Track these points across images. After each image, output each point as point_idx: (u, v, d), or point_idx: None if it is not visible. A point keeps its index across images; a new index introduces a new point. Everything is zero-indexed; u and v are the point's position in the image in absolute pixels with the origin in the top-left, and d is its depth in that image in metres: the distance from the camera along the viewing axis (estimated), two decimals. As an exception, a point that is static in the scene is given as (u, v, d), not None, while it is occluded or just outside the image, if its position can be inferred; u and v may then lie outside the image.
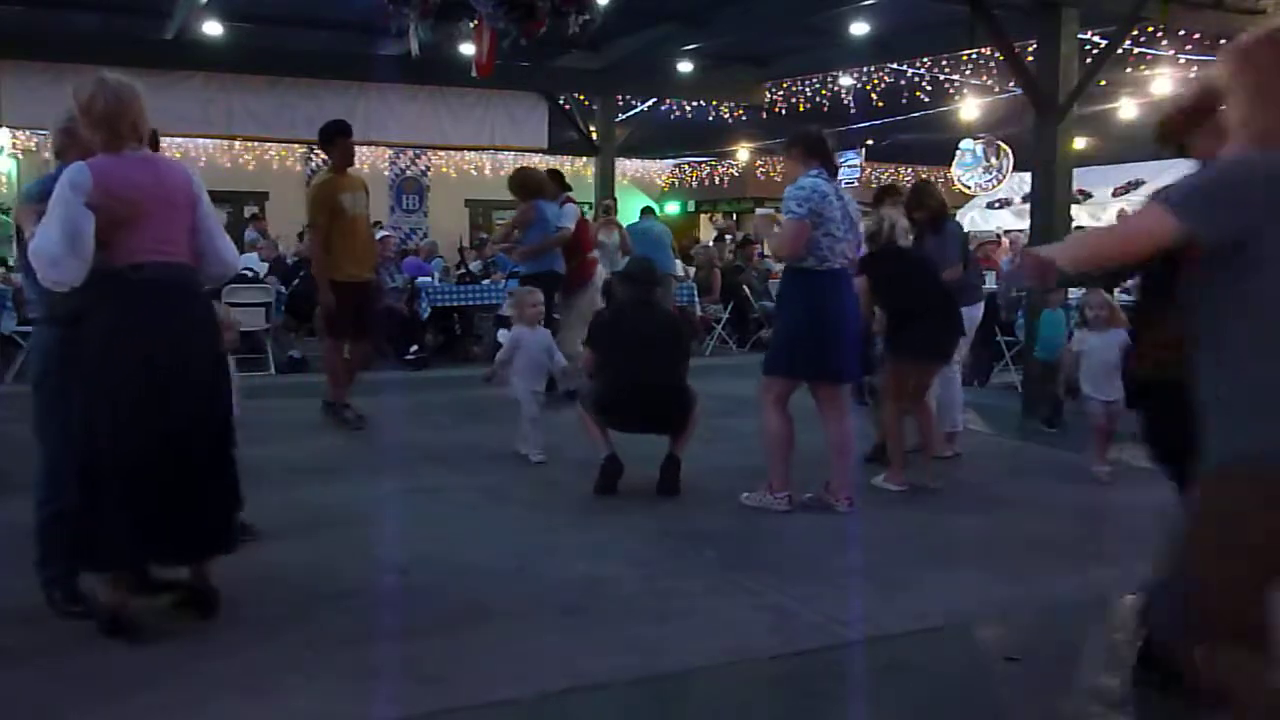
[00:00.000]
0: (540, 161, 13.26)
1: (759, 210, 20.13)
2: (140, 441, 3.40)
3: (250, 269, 10.57)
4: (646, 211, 12.47)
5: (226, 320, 4.27)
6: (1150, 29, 9.80)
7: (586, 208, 13.05)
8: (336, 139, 6.98)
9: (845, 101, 14.37)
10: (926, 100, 14.29)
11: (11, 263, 13.07)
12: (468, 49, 8.02)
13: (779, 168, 19.13)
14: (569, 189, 8.88)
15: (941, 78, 13.43)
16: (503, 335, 10.71)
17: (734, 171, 22.33)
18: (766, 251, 11.64)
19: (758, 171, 21.66)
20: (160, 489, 3.43)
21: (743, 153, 20.77)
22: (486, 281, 11.99)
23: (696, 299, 12.29)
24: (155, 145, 3.93)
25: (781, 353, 5.22)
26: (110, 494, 3.40)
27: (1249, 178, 2.20)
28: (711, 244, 16.35)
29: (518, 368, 6.27)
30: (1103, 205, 14.96)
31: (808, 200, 4.98)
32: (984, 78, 12.97)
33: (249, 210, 17.98)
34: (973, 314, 6.75)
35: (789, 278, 5.32)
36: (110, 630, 3.48)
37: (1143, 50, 11.09)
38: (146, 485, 3.42)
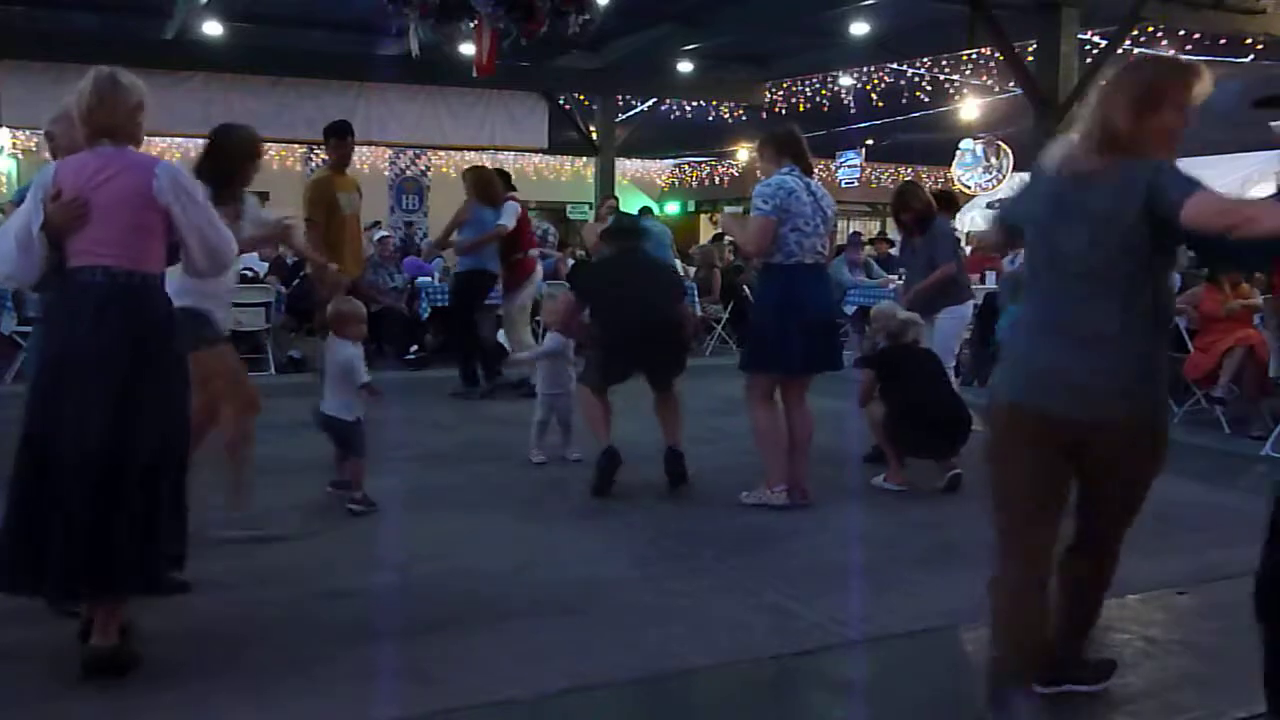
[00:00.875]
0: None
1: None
2: (32, 456, 3.20)
3: (250, 269, 10.56)
4: (645, 212, 12.47)
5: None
6: (1150, 29, 9.81)
7: (587, 208, 13.07)
8: (331, 139, 6.98)
9: (845, 101, 14.38)
10: (926, 100, 14.29)
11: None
12: (468, 49, 8.03)
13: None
14: (514, 189, 8.94)
15: (941, 78, 13.44)
16: (503, 336, 10.73)
17: (734, 171, 22.33)
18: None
19: (758, 172, 21.60)
20: (48, 507, 3.16)
21: (743, 153, 20.76)
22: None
23: (696, 299, 12.28)
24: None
25: (753, 348, 5.32)
26: (37, 511, 3.18)
27: None
28: (711, 244, 16.34)
29: (541, 369, 6.29)
30: (1102, 205, 14.93)
31: (773, 197, 5.05)
32: (984, 78, 12.97)
33: (249, 210, 17.96)
34: (963, 313, 6.80)
35: (760, 274, 5.44)
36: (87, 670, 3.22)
37: (1143, 50, 11.08)
38: (36, 501, 3.17)
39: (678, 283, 5.96)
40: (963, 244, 9.57)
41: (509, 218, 8.42)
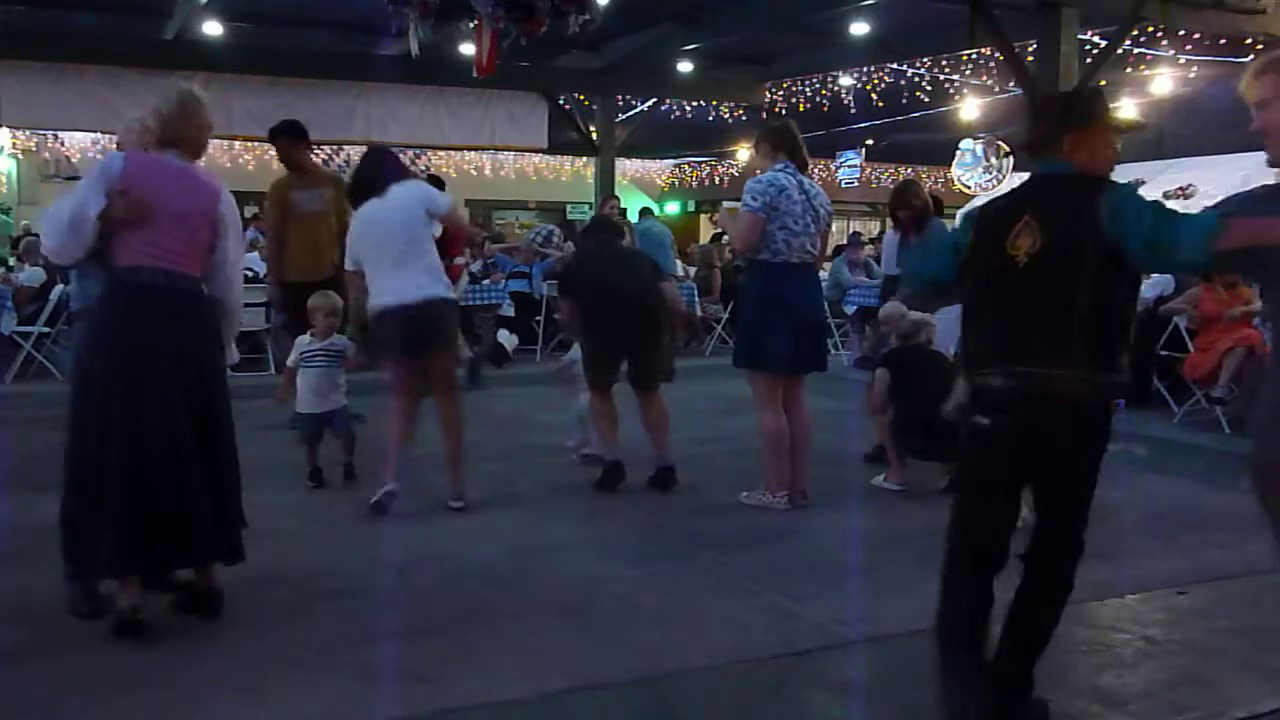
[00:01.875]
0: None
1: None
2: (116, 445, 3.36)
3: (251, 269, 10.55)
4: (645, 212, 12.46)
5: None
6: (1150, 29, 9.81)
7: (587, 208, 13.05)
8: (281, 138, 6.97)
9: (845, 101, 14.37)
10: (926, 100, 14.29)
11: (11, 264, 13.09)
12: (468, 49, 8.03)
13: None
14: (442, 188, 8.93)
15: (941, 78, 13.44)
16: (503, 336, 10.73)
17: (734, 171, 22.31)
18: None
19: (758, 172, 21.61)
20: (143, 494, 3.37)
21: (743, 153, 20.74)
22: (486, 281, 11.97)
23: (696, 299, 12.28)
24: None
25: (739, 345, 5.35)
26: (95, 497, 3.38)
27: None
28: (711, 244, 16.34)
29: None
30: (1102, 205, 14.94)
31: (763, 194, 5.05)
32: (984, 78, 12.97)
33: (249, 210, 17.95)
34: (959, 312, 6.79)
35: (747, 270, 5.45)
36: (120, 631, 3.46)
37: (1143, 50, 11.10)
38: (128, 489, 3.36)
39: (653, 266, 5.95)
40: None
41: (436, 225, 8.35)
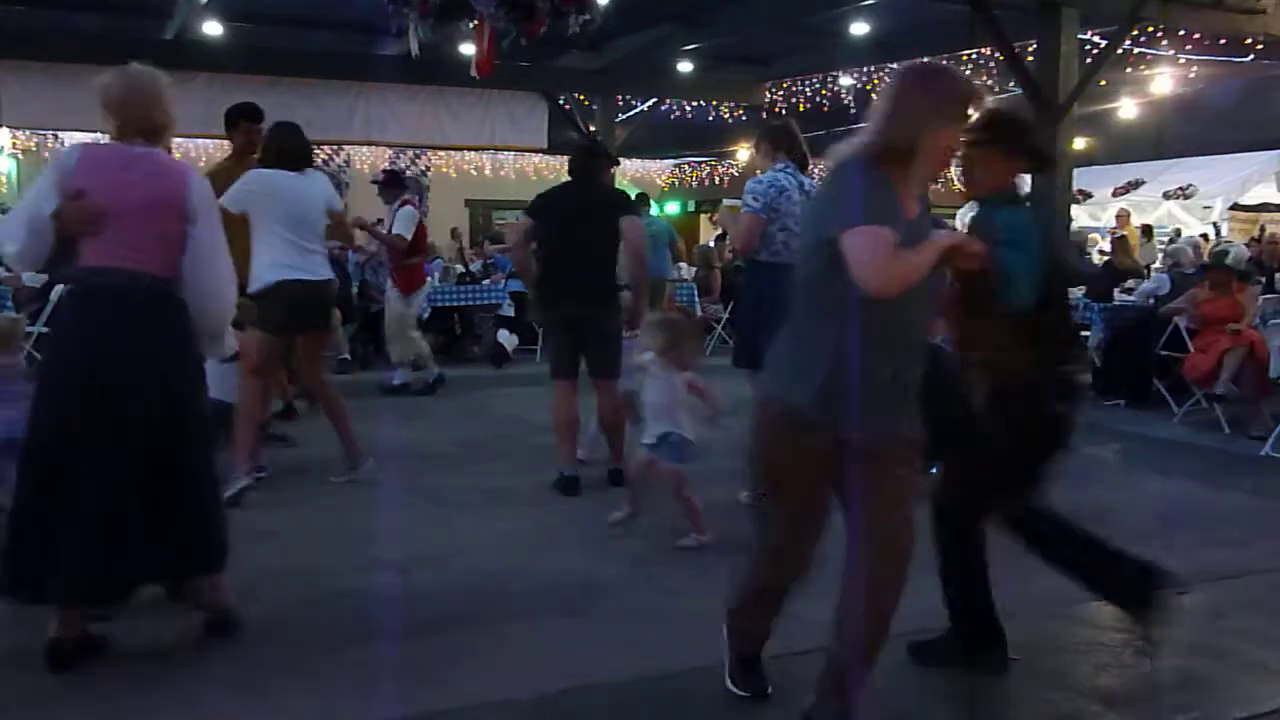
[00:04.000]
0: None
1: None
2: (74, 458, 3.15)
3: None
4: (643, 199, 12.38)
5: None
6: (1150, 29, 9.81)
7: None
8: (241, 122, 6.10)
9: (845, 101, 14.37)
10: (927, 100, 14.27)
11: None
12: (468, 49, 8.03)
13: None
14: (405, 189, 8.90)
15: (941, 78, 13.41)
16: (503, 336, 10.72)
17: (734, 171, 22.30)
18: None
19: (758, 172, 21.59)
20: (109, 507, 3.16)
21: (743, 153, 20.74)
22: (486, 281, 11.98)
23: (696, 299, 12.27)
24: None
25: (738, 345, 5.36)
26: (46, 514, 3.15)
27: None
28: (711, 244, 16.34)
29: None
30: (1102, 205, 14.95)
31: (764, 195, 5.06)
32: (984, 78, 12.96)
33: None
34: None
35: (747, 271, 5.44)
36: (51, 662, 3.22)
37: (1143, 50, 11.10)
38: (83, 509, 3.14)
39: (614, 224, 5.48)
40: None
41: (405, 223, 8.32)
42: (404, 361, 8.76)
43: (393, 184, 8.71)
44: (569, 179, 5.77)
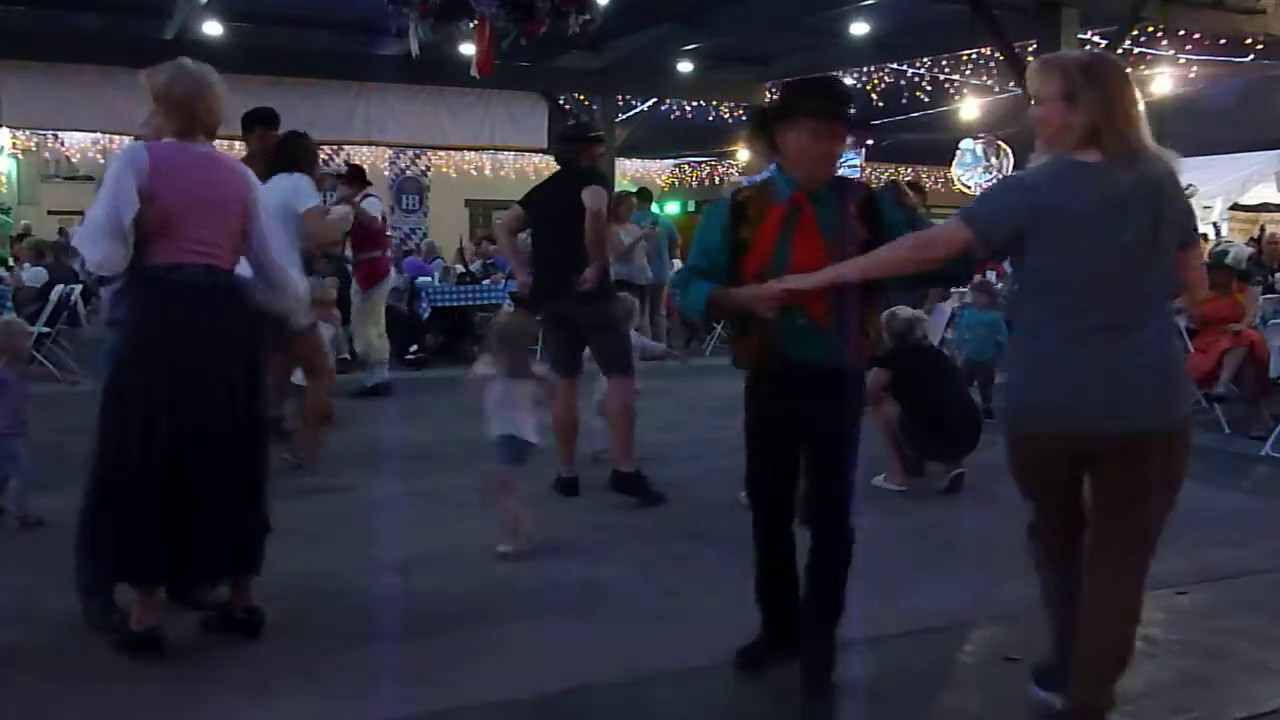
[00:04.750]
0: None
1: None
2: (159, 450, 3.24)
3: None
4: (645, 195, 12.33)
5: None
6: (1150, 29, 9.81)
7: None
8: (256, 127, 6.16)
9: (845, 101, 14.35)
10: (926, 100, 14.28)
11: (11, 263, 13.08)
12: (468, 49, 8.03)
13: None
14: (369, 183, 8.90)
15: (941, 78, 13.43)
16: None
17: (734, 171, 22.30)
18: None
19: (756, 172, 21.56)
20: (182, 500, 3.27)
21: (743, 153, 20.69)
22: (486, 281, 11.98)
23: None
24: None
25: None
26: (128, 502, 3.26)
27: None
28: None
29: None
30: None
31: None
32: (984, 78, 12.96)
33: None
34: (942, 308, 6.84)
35: None
36: (135, 650, 3.31)
37: (1143, 50, 11.09)
38: (166, 495, 3.25)
39: (580, 208, 5.22)
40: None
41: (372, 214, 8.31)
42: (378, 360, 8.63)
43: (356, 178, 8.74)
44: (558, 169, 5.72)
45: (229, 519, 3.37)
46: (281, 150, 5.70)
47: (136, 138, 3.88)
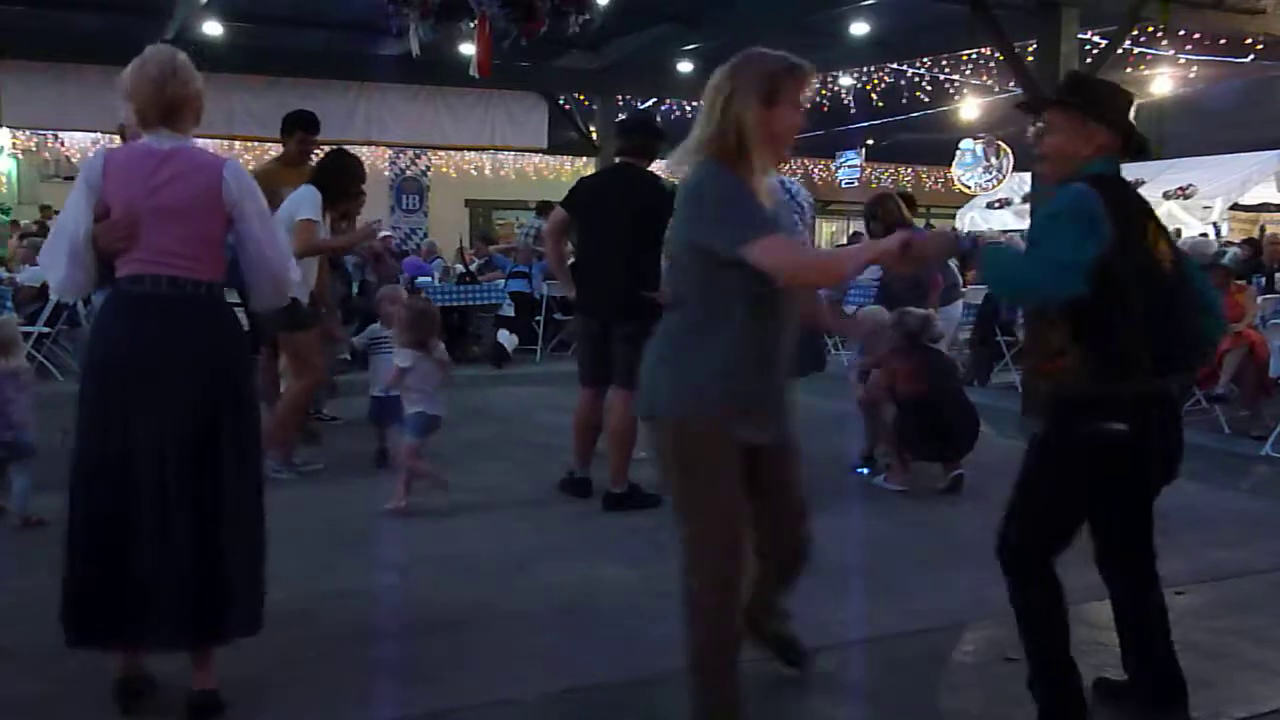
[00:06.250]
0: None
1: None
2: (99, 495, 2.90)
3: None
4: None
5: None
6: (1150, 29, 9.81)
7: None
8: (296, 131, 6.53)
9: (845, 101, 14.37)
10: (926, 100, 14.29)
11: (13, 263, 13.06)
12: (468, 49, 8.03)
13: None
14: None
15: (941, 78, 13.44)
16: (503, 336, 10.72)
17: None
18: None
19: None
20: (128, 549, 2.88)
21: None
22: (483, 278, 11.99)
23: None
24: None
25: None
26: (80, 550, 2.92)
27: None
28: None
29: None
30: (1103, 205, 14.93)
31: None
32: (984, 78, 12.97)
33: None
34: (951, 313, 6.83)
35: None
36: (115, 699, 3.04)
37: (1143, 50, 11.10)
38: (107, 543, 2.89)
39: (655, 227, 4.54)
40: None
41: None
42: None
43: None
44: (617, 162, 5.38)
45: (186, 572, 2.89)
46: (319, 165, 6.04)
47: (120, 129, 3.78)
